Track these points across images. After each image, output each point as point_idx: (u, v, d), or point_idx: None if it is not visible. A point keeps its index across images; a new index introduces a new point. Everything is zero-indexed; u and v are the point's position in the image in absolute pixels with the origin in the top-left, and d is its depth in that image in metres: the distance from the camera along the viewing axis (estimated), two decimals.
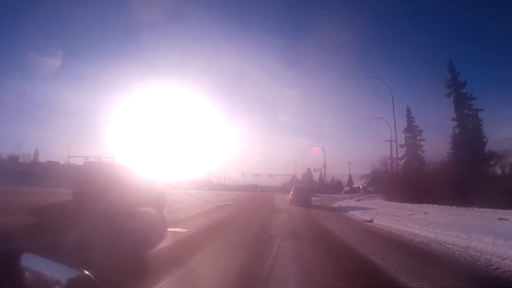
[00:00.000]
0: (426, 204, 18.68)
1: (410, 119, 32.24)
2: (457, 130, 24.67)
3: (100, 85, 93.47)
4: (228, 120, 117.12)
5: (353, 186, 72.11)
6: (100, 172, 9.07)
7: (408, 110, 32.32)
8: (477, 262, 5.19)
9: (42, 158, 52.39)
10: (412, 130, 32.10)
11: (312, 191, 34.21)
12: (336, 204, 24.74)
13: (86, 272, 1.14)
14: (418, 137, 31.94)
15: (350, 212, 16.30)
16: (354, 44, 75.70)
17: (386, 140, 35.33)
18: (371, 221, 11.80)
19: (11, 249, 3.27)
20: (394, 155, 25.39)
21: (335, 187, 78.11)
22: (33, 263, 1.23)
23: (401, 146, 32.65)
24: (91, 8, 59.76)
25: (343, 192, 67.46)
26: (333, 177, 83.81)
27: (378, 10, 70.25)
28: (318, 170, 64.51)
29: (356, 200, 28.86)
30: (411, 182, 24.85)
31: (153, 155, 52.07)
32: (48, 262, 1.23)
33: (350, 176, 77.38)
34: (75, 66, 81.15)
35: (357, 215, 14.43)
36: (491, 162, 23.74)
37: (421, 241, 7.29)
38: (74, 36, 63.31)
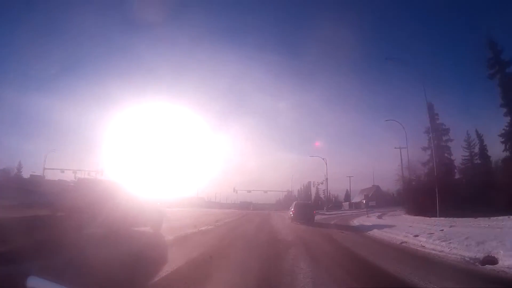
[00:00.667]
0: (501, 217, 12.80)
1: (433, 116, 26.76)
2: (508, 119, 19.26)
3: (83, 97, 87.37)
4: (220, 135, 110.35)
5: (352, 201, 66.74)
6: (96, 190, 8.48)
7: (430, 106, 26.84)
8: None
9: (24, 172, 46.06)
10: (436, 129, 26.63)
11: (315, 207, 28.61)
12: (355, 223, 18.98)
13: None
14: (444, 137, 26.40)
15: (399, 238, 10.15)
16: (356, 44, 70.85)
17: (395, 148, 30.13)
18: (493, 261, 5.69)
19: (17, 271, 3.25)
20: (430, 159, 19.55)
21: (334, 203, 71.85)
22: (39, 286, 1.29)
23: (423, 149, 27.30)
24: (74, 20, 54.48)
25: (329, 206, 60.92)
26: (329, 192, 77.39)
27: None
28: (318, 184, 57.71)
29: (377, 217, 22.72)
30: (443, 191, 19.42)
31: (138, 171, 45.32)
32: (53, 285, 1.31)
33: (347, 190, 71.83)
34: (62, 78, 74.45)
35: (430, 246, 8.05)
36: None
37: None
38: (68, 48, 57.53)
